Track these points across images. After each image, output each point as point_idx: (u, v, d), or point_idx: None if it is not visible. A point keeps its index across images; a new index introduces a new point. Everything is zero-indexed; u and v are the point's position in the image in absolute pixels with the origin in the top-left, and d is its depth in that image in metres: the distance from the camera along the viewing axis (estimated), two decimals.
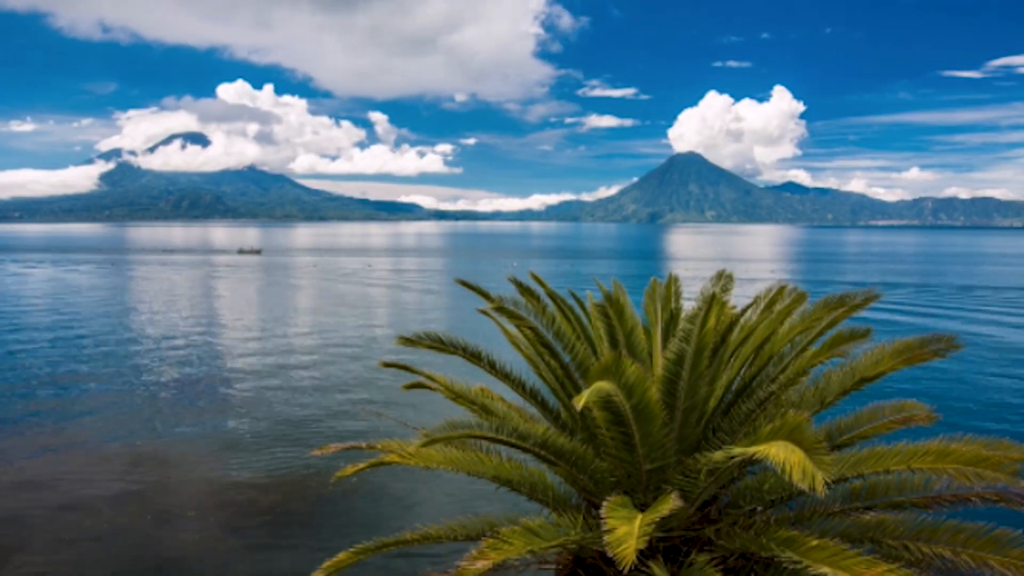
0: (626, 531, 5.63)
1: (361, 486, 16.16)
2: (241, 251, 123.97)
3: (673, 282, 10.04)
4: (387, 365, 9.62)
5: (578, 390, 7.57)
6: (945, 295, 60.05)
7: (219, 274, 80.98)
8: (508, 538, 6.25)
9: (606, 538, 5.61)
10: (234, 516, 15.02)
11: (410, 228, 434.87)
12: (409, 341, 8.52)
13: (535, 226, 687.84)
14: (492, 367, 8.85)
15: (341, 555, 7.27)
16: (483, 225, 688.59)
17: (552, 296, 9.19)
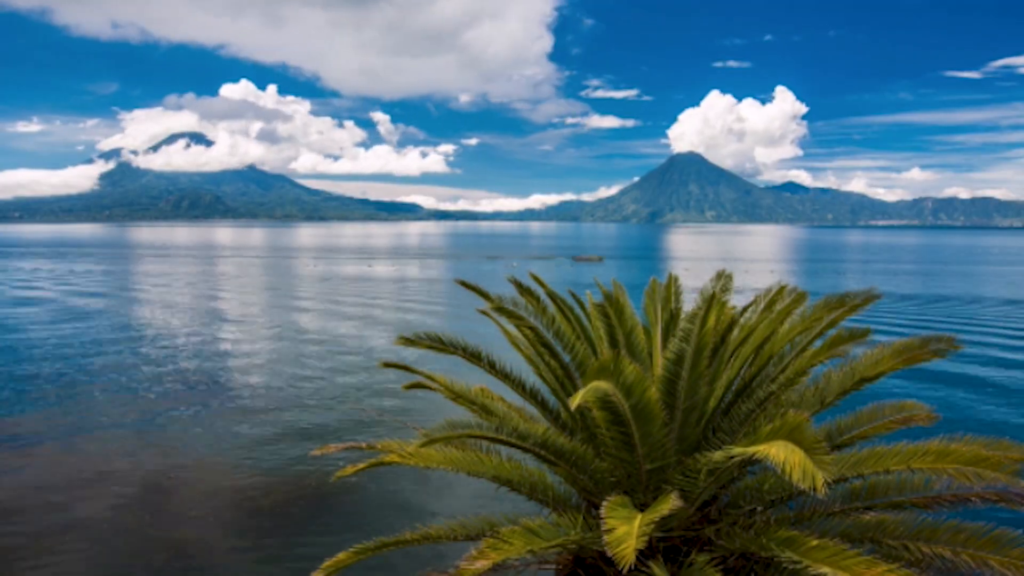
0: (626, 531, 5.63)
1: (361, 486, 16.17)
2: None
3: (673, 282, 10.05)
4: (387, 365, 9.63)
5: (578, 390, 7.57)
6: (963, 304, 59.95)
7: (219, 270, 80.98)
8: (508, 538, 6.25)
9: (606, 538, 5.61)
10: (233, 516, 15.02)
11: (412, 228, 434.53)
12: (409, 341, 8.53)
13: (535, 226, 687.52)
14: (492, 367, 8.86)
15: (341, 555, 7.28)
16: (483, 225, 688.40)
17: (552, 296, 9.19)
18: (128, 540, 13.81)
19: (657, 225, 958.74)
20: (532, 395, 9.08)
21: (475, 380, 10.49)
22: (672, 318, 9.35)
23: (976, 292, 65.34)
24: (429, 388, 9.37)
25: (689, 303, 8.07)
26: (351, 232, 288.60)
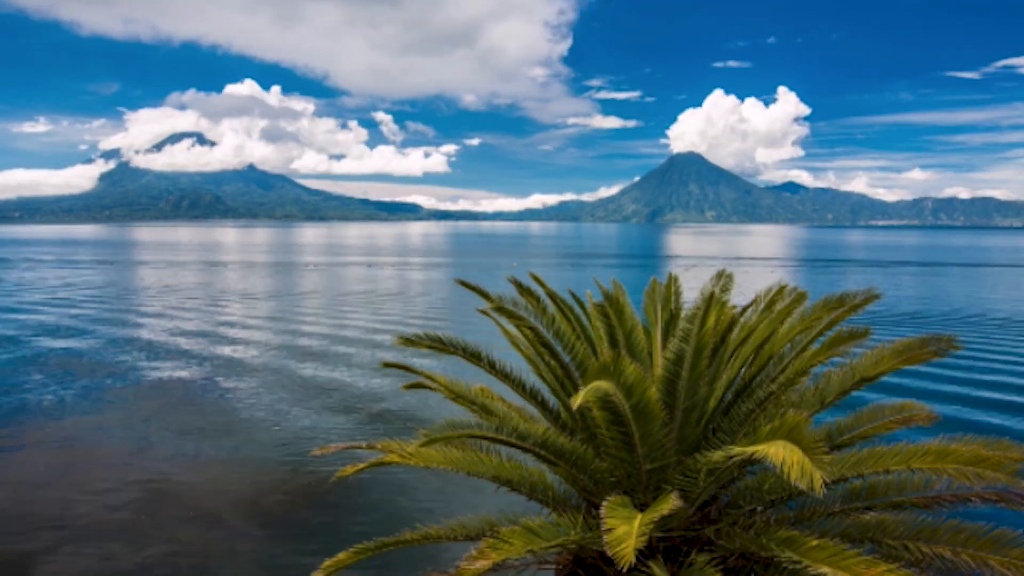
0: (625, 531, 5.64)
1: (361, 486, 16.17)
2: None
3: (673, 282, 10.06)
4: (387, 365, 9.63)
5: (578, 390, 7.58)
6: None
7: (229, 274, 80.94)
8: (508, 538, 6.26)
9: (606, 538, 5.61)
10: (233, 516, 15.02)
11: (414, 228, 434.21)
12: (409, 341, 8.53)
13: (535, 226, 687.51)
14: (492, 367, 8.86)
15: (341, 555, 7.28)
16: (484, 225, 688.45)
17: (552, 296, 9.20)
18: (126, 541, 13.81)
19: (657, 225, 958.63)
20: (532, 395, 9.08)
21: (475, 380, 10.50)
22: (672, 318, 9.36)
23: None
24: (429, 388, 9.37)
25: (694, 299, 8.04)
26: (354, 233, 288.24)
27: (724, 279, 9.22)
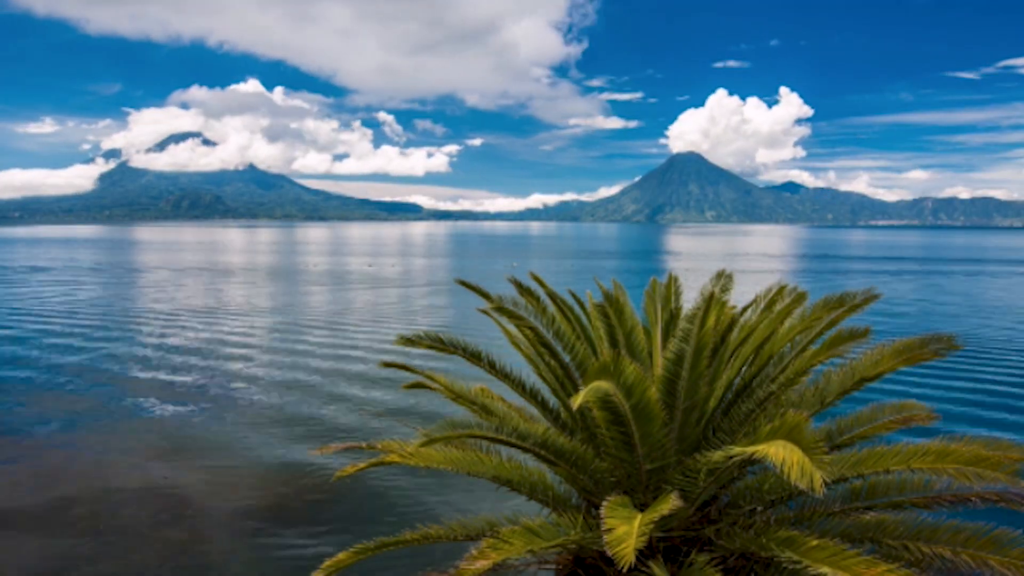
0: (625, 531, 5.64)
1: (361, 486, 16.17)
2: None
3: (673, 282, 10.06)
4: (387, 365, 9.63)
5: (578, 390, 7.58)
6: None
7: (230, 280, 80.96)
8: (508, 538, 6.26)
9: (606, 538, 5.61)
10: (232, 516, 15.02)
11: (417, 228, 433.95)
12: (409, 341, 8.53)
13: (535, 226, 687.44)
14: (492, 367, 8.86)
15: (341, 555, 7.29)
16: (485, 225, 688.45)
17: (552, 296, 9.20)
18: (125, 540, 13.81)
19: (658, 225, 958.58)
20: (532, 395, 9.08)
21: (475, 380, 10.50)
22: (672, 318, 9.36)
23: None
24: (429, 388, 9.37)
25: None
26: (357, 234, 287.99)
27: (724, 279, 9.22)
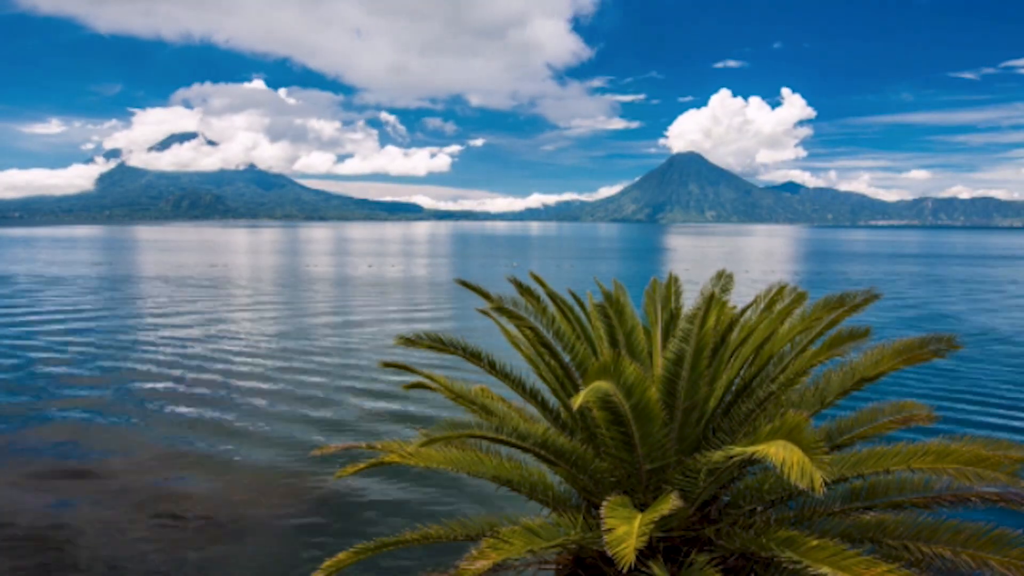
0: (625, 531, 5.64)
1: (361, 486, 16.17)
2: None
3: (673, 282, 10.07)
4: (387, 365, 9.63)
5: (578, 390, 7.58)
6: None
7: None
8: (508, 538, 6.26)
9: (606, 538, 5.61)
10: (232, 517, 15.02)
11: (417, 229, 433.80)
12: (409, 341, 8.53)
13: (535, 226, 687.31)
14: (492, 367, 8.86)
15: (341, 555, 7.29)
16: (486, 225, 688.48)
17: (552, 296, 9.20)
18: (124, 541, 13.81)
19: (658, 225, 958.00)
20: (532, 395, 9.08)
21: (475, 380, 10.50)
22: (672, 318, 9.36)
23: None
24: (429, 388, 9.37)
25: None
26: (357, 234, 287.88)
27: (724, 279, 9.22)
